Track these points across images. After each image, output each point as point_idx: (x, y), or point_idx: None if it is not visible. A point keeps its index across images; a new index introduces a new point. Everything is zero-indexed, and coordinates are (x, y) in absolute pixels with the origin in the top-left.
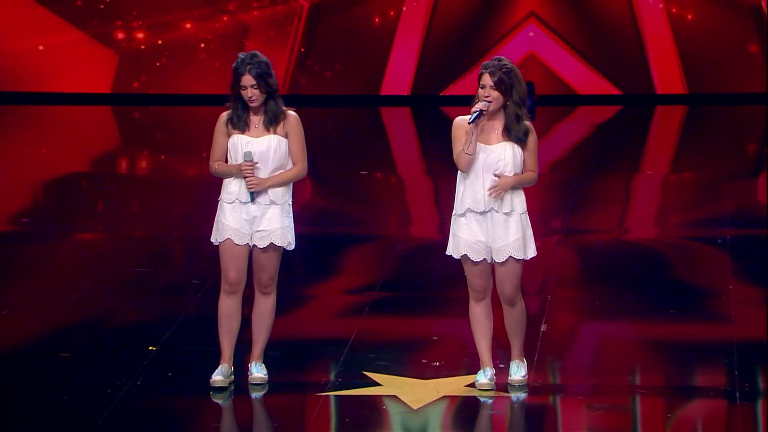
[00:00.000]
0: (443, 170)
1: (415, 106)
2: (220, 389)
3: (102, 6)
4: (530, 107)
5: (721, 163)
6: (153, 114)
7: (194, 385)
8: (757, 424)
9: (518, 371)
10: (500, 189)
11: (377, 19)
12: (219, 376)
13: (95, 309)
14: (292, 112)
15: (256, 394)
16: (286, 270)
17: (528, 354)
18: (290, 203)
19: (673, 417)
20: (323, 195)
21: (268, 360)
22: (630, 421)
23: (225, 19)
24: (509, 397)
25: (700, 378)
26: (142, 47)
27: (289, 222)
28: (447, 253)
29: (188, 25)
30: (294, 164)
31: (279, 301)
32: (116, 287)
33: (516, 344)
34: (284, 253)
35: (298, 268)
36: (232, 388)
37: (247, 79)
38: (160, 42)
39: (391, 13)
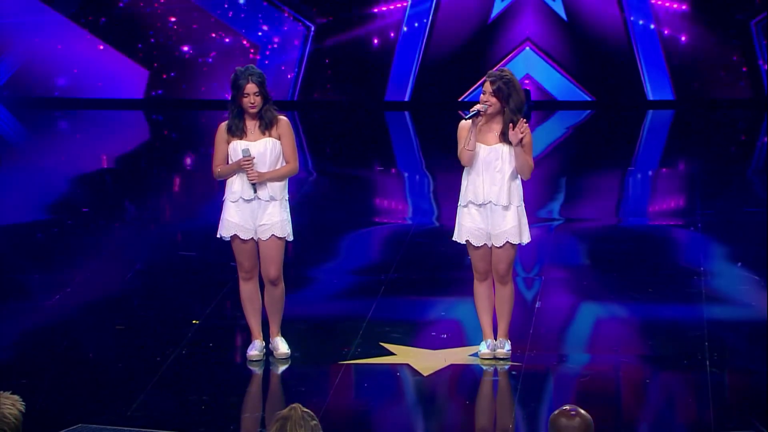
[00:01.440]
0: (451, 167)
1: (421, 111)
2: (257, 361)
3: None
4: (526, 112)
5: (698, 160)
6: (181, 117)
7: (232, 354)
8: (725, 389)
9: (504, 346)
10: (525, 129)
11: (378, 39)
12: (255, 351)
13: (146, 287)
14: (283, 117)
15: (284, 365)
16: (309, 254)
17: (524, 328)
18: (287, 199)
19: (650, 382)
20: (343, 188)
21: (296, 333)
22: (613, 386)
23: (240, 39)
24: (507, 365)
25: (674, 348)
26: (169, 61)
27: (287, 216)
28: (453, 239)
29: (212, 42)
30: (287, 163)
31: (305, 280)
32: (164, 269)
33: (503, 324)
34: (305, 239)
35: (321, 253)
36: (265, 358)
37: (251, 87)
38: (187, 57)
39: (392, 35)
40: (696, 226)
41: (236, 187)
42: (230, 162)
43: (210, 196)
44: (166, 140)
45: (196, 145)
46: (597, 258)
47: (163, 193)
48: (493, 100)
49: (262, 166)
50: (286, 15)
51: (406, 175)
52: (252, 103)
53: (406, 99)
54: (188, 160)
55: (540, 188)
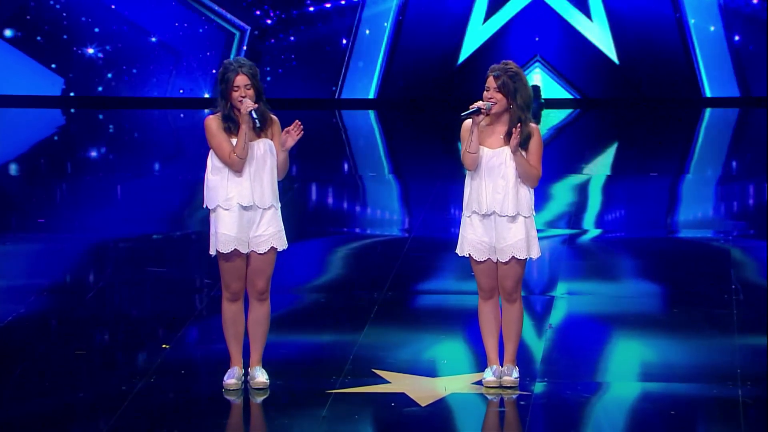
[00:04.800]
0: (448, 172)
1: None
2: (234, 391)
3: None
4: (535, 110)
5: (736, 164)
6: (124, 116)
7: (207, 382)
8: (759, 420)
9: (512, 373)
10: (518, 135)
11: (332, 36)
12: (232, 379)
13: (110, 307)
14: (274, 117)
15: (264, 395)
16: (293, 270)
17: (534, 352)
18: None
19: (675, 414)
20: (332, 196)
21: (279, 358)
22: (634, 417)
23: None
24: (515, 395)
25: (703, 376)
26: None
27: (282, 225)
28: (456, 251)
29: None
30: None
31: (289, 299)
32: (130, 286)
33: (510, 348)
34: (288, 254)
35: (308, 268)
36: (243, 387)
37: (241, 79)
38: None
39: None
40: (726, 239)
41: (232, 192)
42: (217, 161)
43: (183, 206)
44: (106, 142)
45: (144, 147)
46: (616, 274)
47: (127, 203)
48: (499, 96)
49: (262, 171)
50: (217, 18)
51: (399, 181)
52: (243, 96)
53: (372, 96)
54: (156, 165)
55: (553, 195)
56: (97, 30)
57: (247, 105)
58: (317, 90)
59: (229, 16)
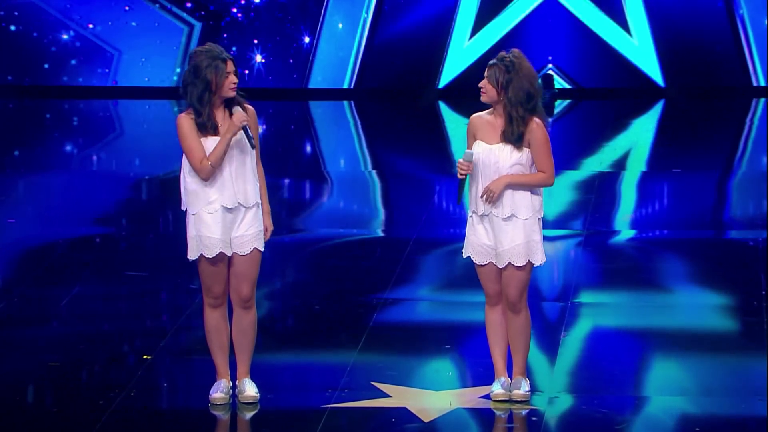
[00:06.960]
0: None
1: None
2: (222, 405)
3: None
4: (548, 101)
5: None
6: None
7: (191, 396)
8: None
9: (521, 386)
10: (491, 192)
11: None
12: (219, 393)
13: (86, 316)
14: (250, 107)
15: (254, 410)
16: (284, 273)
17: (546, 363)
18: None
19: (702, 430)
20: (327, 194)
21: (270, 370)
22: None
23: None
24: (526, 410)
25: (730, 389)
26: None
27: (263, 225)
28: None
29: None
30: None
31: (283, 308)
32: (108, 292)
33: (518, 360)
34: (278, 255)
35: (302, 272)
36: (231, 401)
37: (231, 65)
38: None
39: None
40: (756, 240)
41: (214, 195)
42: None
43: (164, 206)
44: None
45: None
46: (636, 279)
47: (105, 202)
48: (488, 87)
49: (242, 166)
50: (164, 14)
51: (397, 177)
52: (234, 83)
53: (348, 86)
54: (133, 160)
55: (570, 193)
56: (15, 26)
57: (241, 117)
58: (285, 79)
59: (176, 10)
